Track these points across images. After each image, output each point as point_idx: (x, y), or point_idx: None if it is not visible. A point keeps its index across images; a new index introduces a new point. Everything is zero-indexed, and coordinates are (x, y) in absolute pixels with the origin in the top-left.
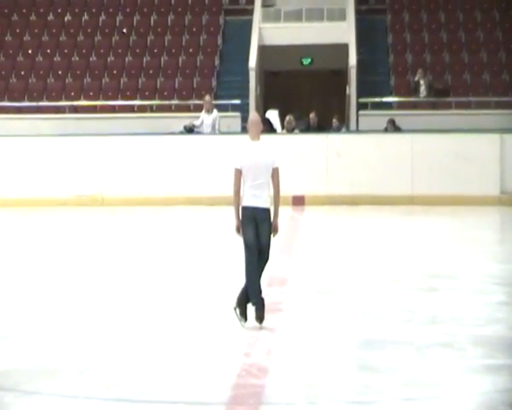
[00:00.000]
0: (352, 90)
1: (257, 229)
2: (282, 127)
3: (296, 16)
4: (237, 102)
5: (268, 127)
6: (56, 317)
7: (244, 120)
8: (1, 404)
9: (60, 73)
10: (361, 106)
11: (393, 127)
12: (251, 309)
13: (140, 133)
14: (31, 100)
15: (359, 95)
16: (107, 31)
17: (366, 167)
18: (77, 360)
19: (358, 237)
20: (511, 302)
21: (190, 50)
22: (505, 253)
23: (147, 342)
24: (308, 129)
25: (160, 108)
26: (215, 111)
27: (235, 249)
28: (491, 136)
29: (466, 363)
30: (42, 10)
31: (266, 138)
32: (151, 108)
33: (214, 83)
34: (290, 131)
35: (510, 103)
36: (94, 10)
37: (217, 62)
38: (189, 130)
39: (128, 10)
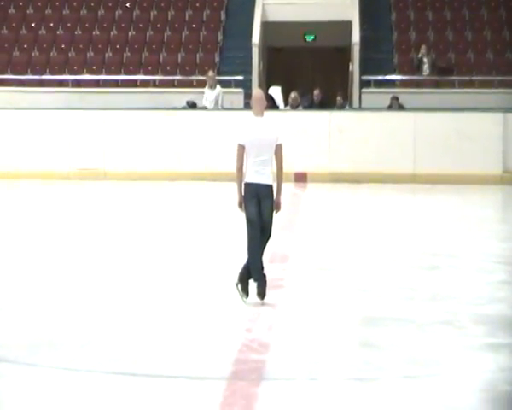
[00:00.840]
0: (354, 67)
1: (259, 205)
2: (285, 104)
3: None
4: (240, 78)
5: (271, 104)
6: (57, 290)
7: (247, 96)
8: (2, 376)
9: (63, 46)
10: (364, 83)
11: (397, 104)
12: (252, 285)
13: (142, 108)
14: (33, 73)
15: (362, 72)
16: (110, 5)
17: (368, 145)
18: (78, 333)
19: (360, 215)
20: None
21: (193, 26)
22: (507, 231)
23: (148, 316)
24: (311, 106)
25: (163, 83)
26: (218, 87)
27: (238, 225)
28: (494, 114)
29: (467, 341)
30: None
31: (269, 115)
32: (154, 83)
33: (217, 58)
34: (295, 107)
35: None
36: None
37: (220, 38)
38: (192, 105)
39: None
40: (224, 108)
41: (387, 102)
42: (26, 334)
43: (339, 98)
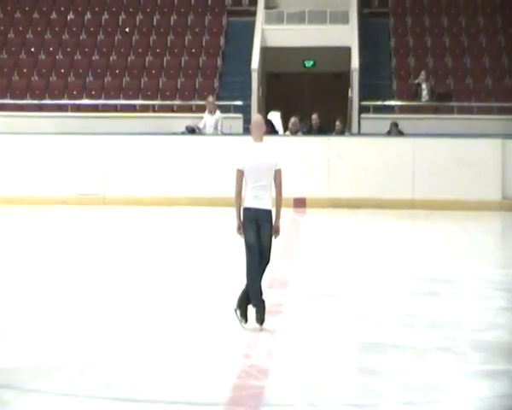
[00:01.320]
0: (354, 93)
1: (258, 230)
2: (285, 129)
3: (299, 18)
4: (239, 103)
5: (270, 129)
6: (56, 315)
7: (246, 121)
8: (1, 402)
9: (62, 71)
10: (363, 109)
11: (396, 130)
12: (251, 311)
13: (142, 133)
14: (33, 98)
15: (361, 98)
16: (109, 30)
17: (367, 171)
18: (77, 359)
19: (359, 241)
20: (511, 308)
21: (193, 51)
22: (506, 258)
23: (147, 342)
24: (310, 131)
25: (162, 109)
26: (218, 112)
27: (237, 251)
28: (492, 141)
29: (466, 368)
30: (45, 9)
31: (268, 140)
32: (153, 108)
33: (216, 84)
34: (294, 133)
35: None
36: (97, 9)
37: (219, 63)
38: (191, 130)
39: (131, 10)
40: (223, 134)
41: (386, 128)
42: (25, 359)
43: (338, 123)
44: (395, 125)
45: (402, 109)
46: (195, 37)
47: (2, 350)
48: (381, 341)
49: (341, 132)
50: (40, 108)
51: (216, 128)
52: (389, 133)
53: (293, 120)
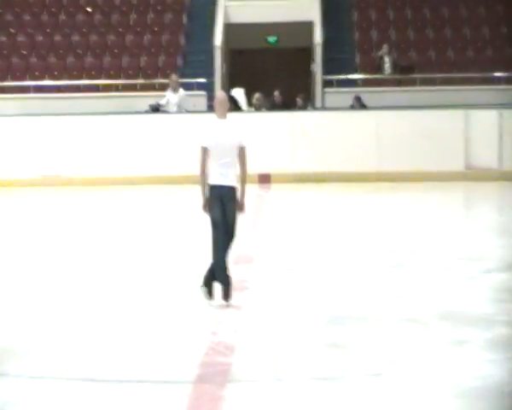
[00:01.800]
0: (317, 67)
1: (223, 207)
2: (248, 105)
3: None
4: (203, 80)
5: (233, 105)
6: (21, 298)
7: (210, 98)
8: None
9: (24, 52)
10: (326, 83)
11: (359, 104)
12: (218, 287)
13: (105, 112)
14: None
15: (325, 72)
16: (71, 10)
17: (332, 145)
18: (43, 342)
19: (325, 215)
20: (476, 277)
21: (155, 29)
22: (470, 228)
23: (113, 321)
24: (273, 107)
25: (125, 87)
26: (181, 90)
27: (202, 228)
28: (455, 112)
29: (432, 338)
30: None
31: (232, 117)
32: (116, 88)
33: (180, 61)
34: (258, 108)
35: (474, 79)
36: None
37: (182, 41)
38: (155, 109)
39: None
40: (187, 111)
41: (350, 102)
42: None
43: (298, 100)
44: (358, 98)
45: (365, 83)
46: (158, 14)
47: None
48: (346, 314)
49: (304, 108)
50: (2, 89)
51: (179, 106)
52: (352, 107)
53: (257, 95)
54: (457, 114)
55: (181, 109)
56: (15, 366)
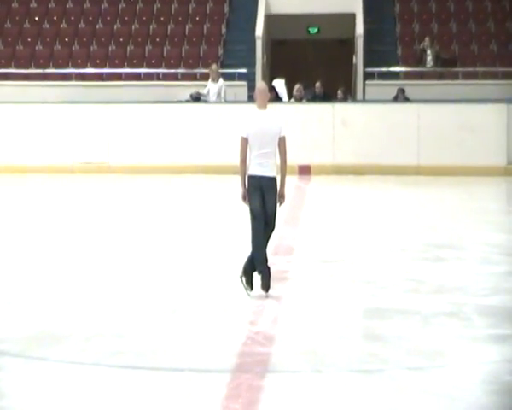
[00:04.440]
0: (358, 59)
1: (263, 197)
2: (289, 96)
3: None
4: (244, 70)
5: (274, 96)
6: (62, 284)
7: (250, 88)
8: (8, 370)
9: (66, 40)
10: (367, 76)
11: (403, 96)
12: (257, 278)
13: (146, 101)
14: (37, 67)
15: (366, 64)
16: None
17: (372, 137)
18: (83, 327)
19: (364, 207)
20: None
21: (197, 18)
22: (511, 223)
23: (154, 309)
24: (314, 98)
25: (167, 77)
26: (221, 80)
27: (242, 218)
28: (497, 106)
29: (472, 333)
30: None
31: (272, 107)
32: (157, 77)
33: (221, 51)
34: (299, 99)
35: None
36: None
37: (223, 31)
38: (196, 98)
39: None
40: (227, 101)
41: (391, 94)
42: (30, 328)
43: (339, 92)
44: (402, 91)
45: (406, 75)
46: (199, 4)
47: (8, 319)
48: (386, 306)
49: (344, 100)
50: (44, 77)
51: (219, 96)
52: (396, 99)
53: (297, 86)
54: (500, 108)
55: (220, 99)
56: (56, 351)
